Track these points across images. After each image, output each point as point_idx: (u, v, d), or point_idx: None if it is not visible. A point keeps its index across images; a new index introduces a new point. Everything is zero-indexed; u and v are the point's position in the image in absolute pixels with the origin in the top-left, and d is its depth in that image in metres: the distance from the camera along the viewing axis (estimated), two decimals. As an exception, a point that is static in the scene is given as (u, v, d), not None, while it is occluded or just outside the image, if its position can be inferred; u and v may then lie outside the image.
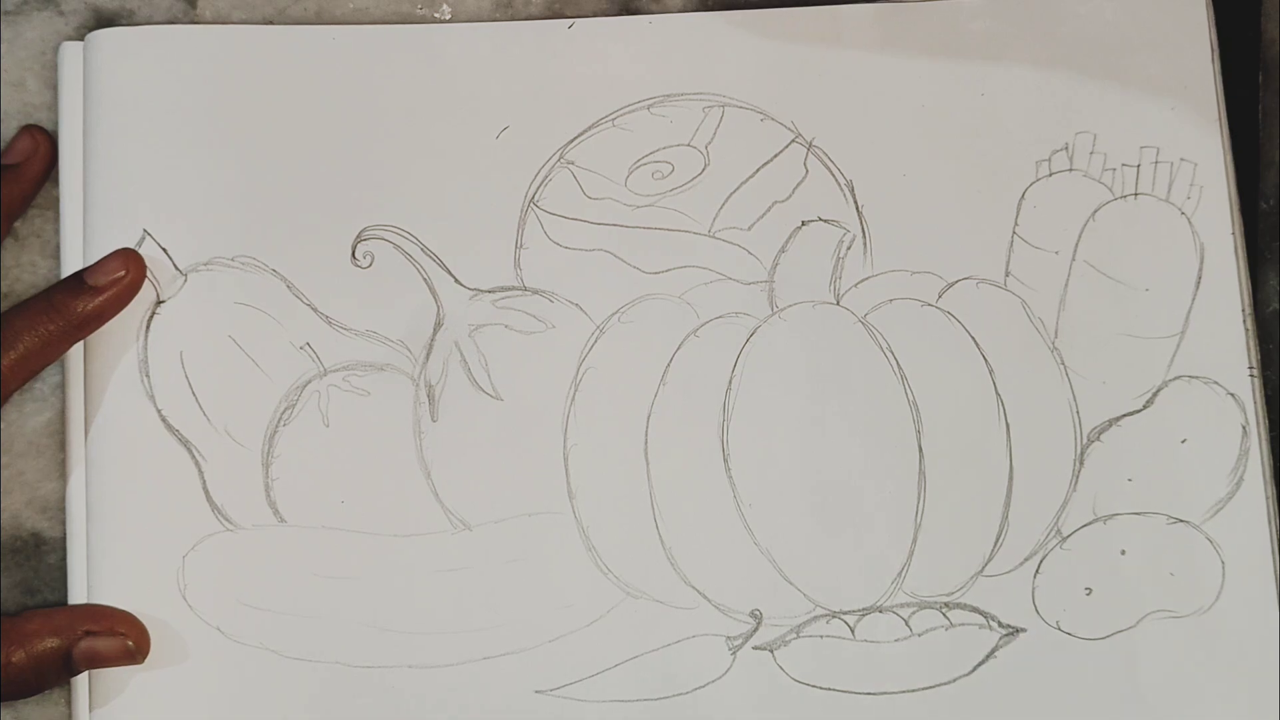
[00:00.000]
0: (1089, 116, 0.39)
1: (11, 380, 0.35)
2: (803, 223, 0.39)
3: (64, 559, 0.38)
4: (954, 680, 0.38)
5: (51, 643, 0.35)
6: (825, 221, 0.39)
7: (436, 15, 0.40)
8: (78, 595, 0.37)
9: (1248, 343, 0.39)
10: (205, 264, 0.38)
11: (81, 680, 0.37)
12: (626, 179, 0.39)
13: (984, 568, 0.38)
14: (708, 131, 0.39)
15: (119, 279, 0.36)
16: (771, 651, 0.38)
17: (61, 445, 0.38)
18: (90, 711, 0.37)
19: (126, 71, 0.38)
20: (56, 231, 0.39)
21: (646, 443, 0.38)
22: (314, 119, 0.39)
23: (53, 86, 0.39)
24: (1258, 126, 0.41)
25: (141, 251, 0.38)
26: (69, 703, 0.37)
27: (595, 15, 0.40)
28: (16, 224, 0.39)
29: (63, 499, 0.38)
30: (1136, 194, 0.39)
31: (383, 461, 0.38)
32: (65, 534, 0.38)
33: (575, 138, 0.39)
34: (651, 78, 0.39)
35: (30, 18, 0.39)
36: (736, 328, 0.39)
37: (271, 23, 0.40)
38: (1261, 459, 0.38)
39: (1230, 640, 0.38)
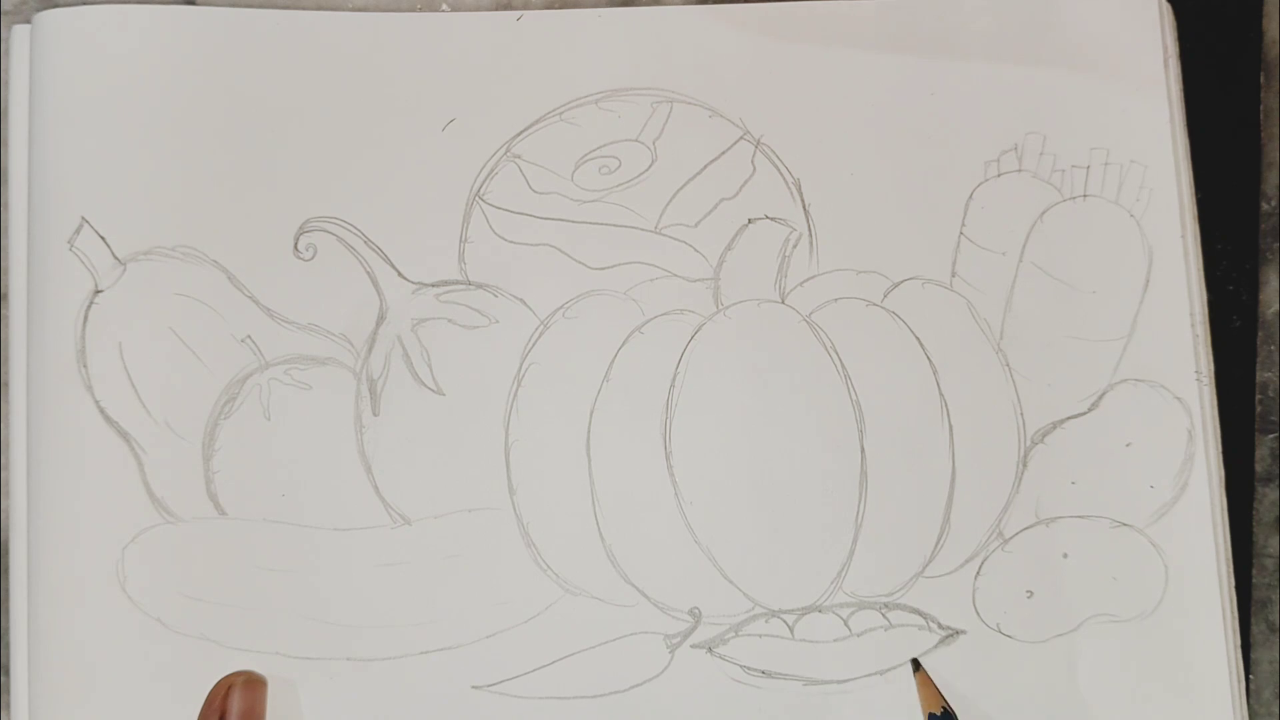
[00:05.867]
0: (1039, 117, 0.39)
1: None
2: (749, 220, 0.39)
3: (3, 548, 0.38)
4: (892, 683, 0.38)
5: None
6: (772, 219, 0.39)
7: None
8: (18, 585, 0.37)
9: (1195, 347, 0.39)
10: (145, 253, 0.38)
11: (21, 669, 0.37)
12: (573, 174, 0.39)
13: (924, 569, 0.38)
14: (655, 127, 0.39)
15: None
16: (710, 650, 0.38)
17: (1, 434, 0.38)
18: (31, 704, 0.37)
19: (69, 54, 0.38)
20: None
21: (589, 439, 0.38)
22: (257, 108, 0.38)
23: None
24: (1258, 126, 0.40)
25: (79, 239, 0.37)
26: (8, 690, 0.37)
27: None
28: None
29: (1, 489, 0.38)
30: (1085, 195, 0.39)
31: (323, 455, 0.38)
32: (6, 524, 0.38)
33: (522, 131, 0.39)
34: (600, 72, 0.39)
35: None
36: (681, 325, 0.38)
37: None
38: (1209, 463, 0.38)
39: (1172, 646, 0.38)
